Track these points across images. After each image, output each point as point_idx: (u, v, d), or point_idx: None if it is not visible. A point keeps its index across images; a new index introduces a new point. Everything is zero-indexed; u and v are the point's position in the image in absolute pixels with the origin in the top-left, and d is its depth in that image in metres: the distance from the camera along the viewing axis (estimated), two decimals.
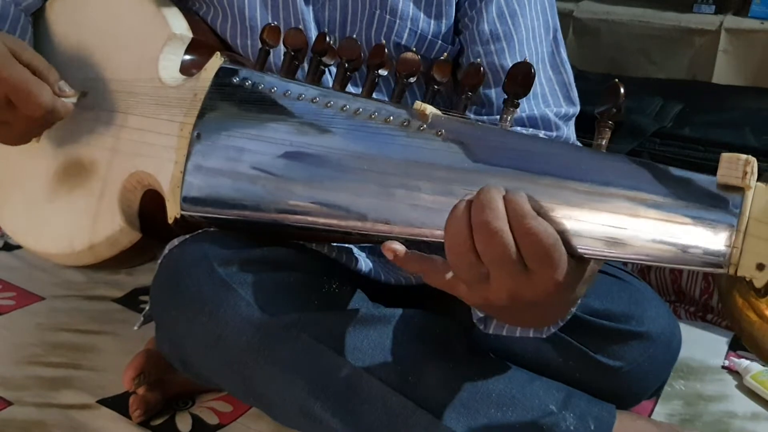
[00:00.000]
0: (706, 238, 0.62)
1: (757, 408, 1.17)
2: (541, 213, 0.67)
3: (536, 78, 1.01)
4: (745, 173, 0.61)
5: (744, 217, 0.61)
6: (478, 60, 1.01)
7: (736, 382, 1.23)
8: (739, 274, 0.61)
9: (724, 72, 1.82)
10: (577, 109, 1.05)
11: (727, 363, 1.27)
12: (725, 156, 0.62)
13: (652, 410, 1.15)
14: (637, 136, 1.46)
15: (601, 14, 1.93)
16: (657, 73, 1.89)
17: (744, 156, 0.62)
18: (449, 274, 0.71)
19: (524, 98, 0.97)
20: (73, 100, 0.97)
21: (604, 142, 0.70)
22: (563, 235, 0.66)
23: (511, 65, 0.98)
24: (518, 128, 0.98)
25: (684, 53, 1.86)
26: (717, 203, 0.63)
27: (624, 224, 0.65)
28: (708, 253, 0.62)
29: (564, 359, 0.96)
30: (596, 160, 0.69)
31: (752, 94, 1.69)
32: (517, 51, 1.01)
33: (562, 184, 0.69)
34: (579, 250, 0.67)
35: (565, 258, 0.66)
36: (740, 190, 0.62)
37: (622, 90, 0.70)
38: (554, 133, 1.01)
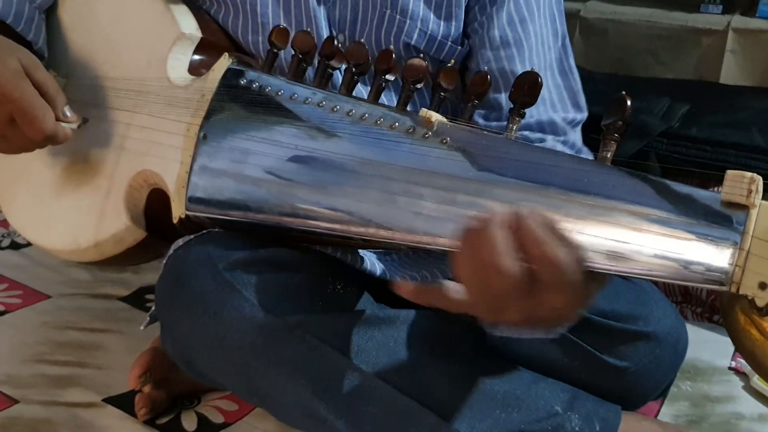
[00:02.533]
0: (709, 256, 0.62)
1: (764, 409, 1.17)
2: (558, 233, 0.65)
3: (545, 83, 1.00)
4: (750, 191, 0.61)
5: (747, 236, 0.61)
6: (489, 65, 1.01)
7: (743, 384, 1.23)
8: (741, 292, 0.61)
9: (731, 72, 1.82)
10: (585, 114, 1.06)
11: (734, 364, 1.26)
12: (730, 173, 0.62)
13: (659, 411, 1.15)
14: (644, 137, 1.46)
15: (608, 14, 1.93)
16: (664, 73, 1.88)
17: (749, 174, 0.61)
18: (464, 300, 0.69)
19: (534, 105, 0.97)
20: (74, 126, 0.97)
21: (609, 155, 0.70)
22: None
23: (520, 71, 0.98)
24: (526, 133, 0.99)
25: (691, 53, 1.86)
26: (721, 221, 0.62)
27: (627, 239, 0.65)
28: (710, 270, 0.62)
29: (570, 359, 0.96)
30: (601, 173, 0.69)
31: (760, 94, 1.69)
32: (527, 57, 1.01)
33: (565, 197, 0.69)
34: (594, 268, 0.66)
35: (579, 279, 0.65)
36: (744, 208, 0.62)
37: (628, 103, 0.69)
38: (561, 138, 1.01)
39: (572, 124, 1.03)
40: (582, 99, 1.06)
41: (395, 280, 1.00)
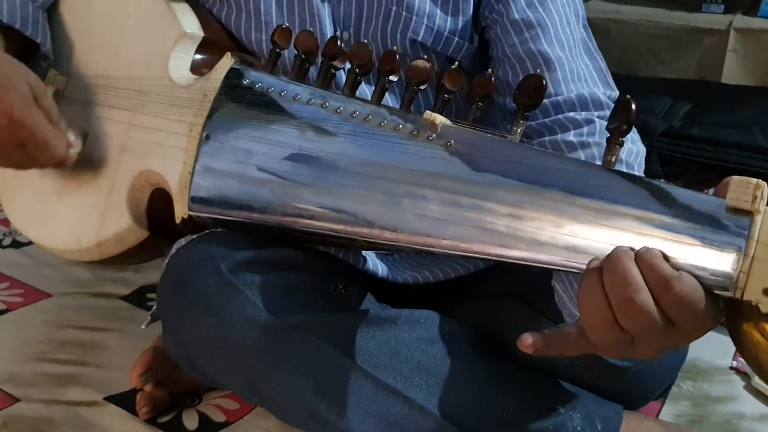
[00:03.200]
0: (713, 261, 0.62)
1: (765, 409, 1.17)
2: (675, 264, 0.63)
3: (576, 61, 0.98)
4: (755, 197, 0.61)
5: (752, 242, 0.61)
6: (514, 49, 0.99)
7: (744, 383, 1.23)
8: (745, 298, 0.61)
9: (733, 72, 1.82)
10: (617, 93, 1.02)
11: (735, 364, 1.26)
12: (735, 179, 0.62)
13: (660, 411, 1.15)
14: (645, 136, 1.45)
15: (610, 14, 1.93)
16: (666, 72, 1.88)
17: (754, 180, 0.61)
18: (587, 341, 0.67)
19: (570, 81, 0.94)
20: (78, 149, 0.98)
21: (614, 159, 0.70)
22: (702, 282, 0.63)
23: (548, 50, 0.96)
24: (572, 114, 0.95)
25: (693, 53, 1.86)
26: (725, 226, 0.63)
27: (631, 243, 0.65)
28: (714, 275, 0.62)
29: (571, 359, 0.95)
30: (605, 178, 0.69)
31: (761, 93, 1.69)
32: (553, 35, 0.98)
33: (569, 200, 0.69)
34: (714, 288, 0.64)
35: (707, 303, 0.63)
36: (749, 213, 0.62)
37: (633, 107, 0.69)
38: (606, 112, 0.96)
39: (612, 100, 0.99)
40: (611, 78, 1.03)
41: (397, 280, 1.00)
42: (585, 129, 0.94)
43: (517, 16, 0.99)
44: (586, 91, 0.97)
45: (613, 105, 0.96)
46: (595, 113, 0.96)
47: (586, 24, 1.04)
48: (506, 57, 0.99)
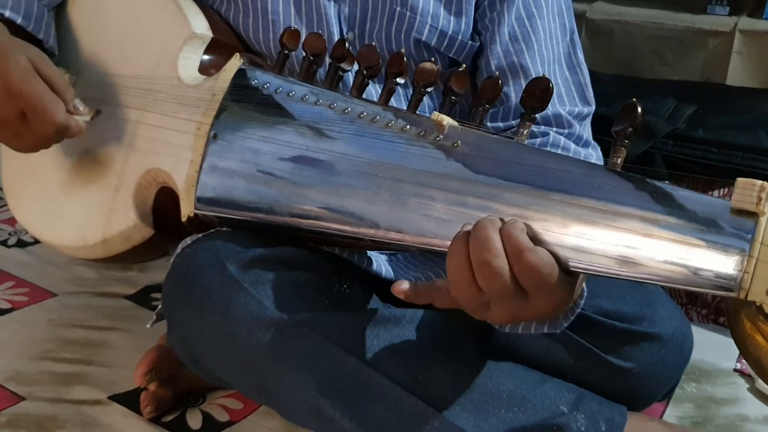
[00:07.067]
0: (718, 262, 0.63)
1: None
2: (537, 239, 0.69)
3: (554, 77, 1.03)
4: (760, 199, 0.61)
5: (757, 243, 0.61)
6: (498, 61, 1.03)
7: (748, 386, 1.23)
8: (749, 299, 0.61)
9: (738, 74, 1.81)
10: (592, 108, 1.07)
11: (739, 366, 1.26)
12: (740, 181, 0.62)
13: (663, 412, 1.15)
14: (650, 138, 1.46)
15: (615, 15, 1.92)
16: (670, 74, 1.88)
17: (759, 182, 0.62)
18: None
19: None
20: (87, 118, 0.97)
21: (619, 161, 0.70)
22: (557, 258, 0.68)
23: (529, 65, 1.01)
24: (533, 127, 0.99)
25: (698, 55, 1.85)
26: (730, 228, 0.63)
27: (636, 244, 0.66)
28: (719, 276, 0.63)
29: (575, 360, 0.96)
30: (611, 179, 0.70)
31: (766, 96, 1.68)
32: (536, 52, 1.03)
33: (575, 201, 0.69)
34: (571, 266, 0.69)
35: (559, 279, 0.69)
36: (754, 215, 0.62)
37: (639, 110, 0.70)
38: (566, 130, 1.02)
39: (578, 117, 1.04)
40: (590, 93, 1.07)
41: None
42: (537, 140, 1.00)
43: (506, 29, 1.03)
44: (550, 110, 1.01)
45: (576, 121, 1.03)
46: (554, 129, 1.01)
47: (574, 37, 1.08)
48: (489, 67, 1.04)
